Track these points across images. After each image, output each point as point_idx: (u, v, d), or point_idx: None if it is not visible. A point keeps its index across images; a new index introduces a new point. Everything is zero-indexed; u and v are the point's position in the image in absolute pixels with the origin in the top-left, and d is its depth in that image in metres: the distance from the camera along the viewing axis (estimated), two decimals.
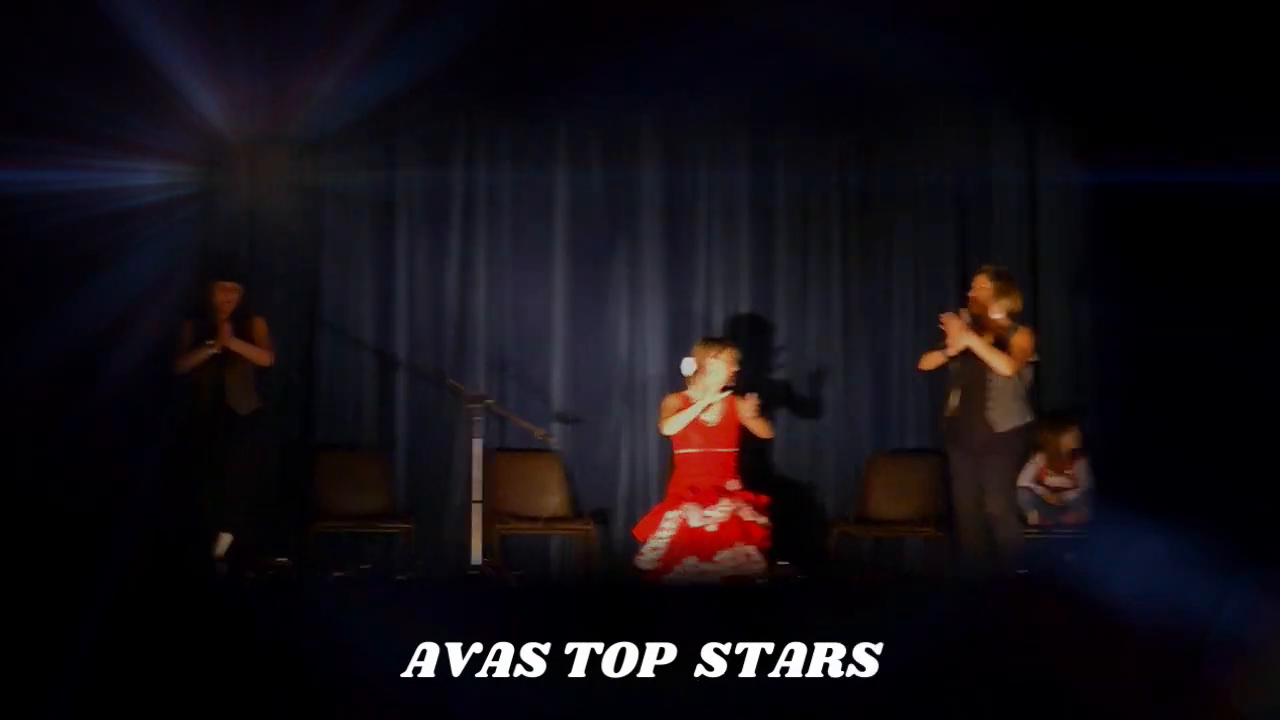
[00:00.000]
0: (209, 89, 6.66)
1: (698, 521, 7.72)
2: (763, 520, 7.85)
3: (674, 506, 7.85)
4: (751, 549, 7.72)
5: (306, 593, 5.67)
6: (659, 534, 7.80)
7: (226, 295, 7.84)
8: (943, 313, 7.64)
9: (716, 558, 7.68)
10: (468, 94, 8.78)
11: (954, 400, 7.61)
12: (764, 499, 8.02)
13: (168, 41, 6.10)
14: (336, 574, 8.00)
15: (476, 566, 7.69)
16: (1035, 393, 7.46)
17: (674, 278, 9.13)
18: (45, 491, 5.49)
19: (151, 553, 5.63)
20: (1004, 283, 7.50)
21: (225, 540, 7.77)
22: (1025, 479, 8.39)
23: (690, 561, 7.66)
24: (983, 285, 7.54)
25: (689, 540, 7.69)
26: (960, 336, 7.46)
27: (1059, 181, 9.01)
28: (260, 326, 7.98)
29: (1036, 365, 7.42)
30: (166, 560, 5.81)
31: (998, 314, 7.45)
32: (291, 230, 8.69)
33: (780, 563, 7.70)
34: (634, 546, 8.09)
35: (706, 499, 7.83)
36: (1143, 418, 6.25)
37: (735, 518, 7.75)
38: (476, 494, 8.02)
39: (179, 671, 5.13)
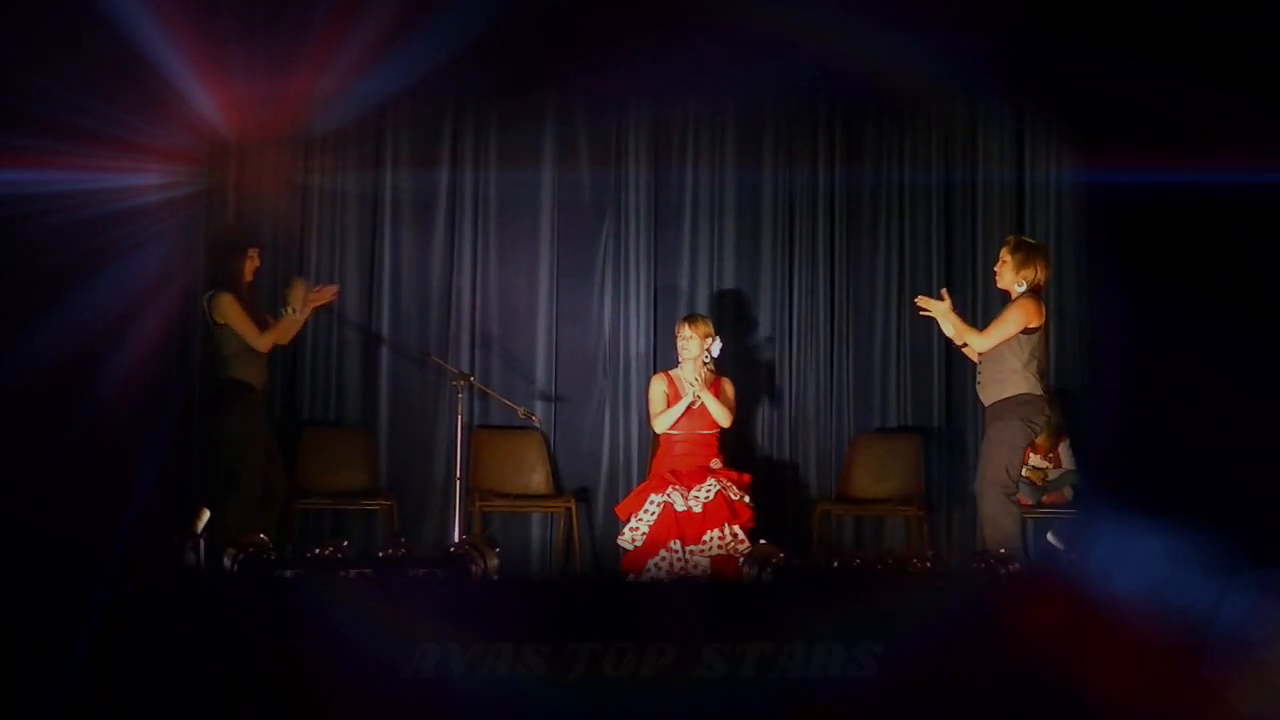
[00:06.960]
0: (209, 89, 6.56)
1: (683, 506, 7.71)
2: (748, 500, 7.86)
3: (658, 488, 7.84)
4: (738, 529, 7.73)
5: (305, 591, 5.59)
6: (642, 515, 7.79)
7: (255, 262, 7.68)
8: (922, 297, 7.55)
9: (703, 539, 7.68)
10: (456, 91, 8.67)
11: None
12: (746, 477, 8.04)
13: (168, 41, 6.00)
14: (315, 550, 7.92)
15: (454, 544, 7.65)
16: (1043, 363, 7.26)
17: (659, 259, 9.07)
18: (45, 492, 5.41)
19: (151, 551, 5.56)
20: (1024, 253, 7.33)
21: (204, 516, 7.65)
22: None
23: (674, 545, 7.66)
24: (1002, 257, 7.38)
25: (674, 524, 7.68)
26: (931, 309, 7.41)
27: (1046, 179, 8.98)
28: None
29: (1043, 334, 7.23)
30: (165, 556, 5.74)
31: (1020, 285, 7.27)
32: (281, 224, 8.61)
33: (761, 541, 7.66)
34: (615, 524, 8.10)
35: (691, 480, 7.83)
36: (1140, 417, 6.24)
37: (722, 496, 7.75)
38: (458, 471, 8.03)
39: (175, 670, 5.09)
